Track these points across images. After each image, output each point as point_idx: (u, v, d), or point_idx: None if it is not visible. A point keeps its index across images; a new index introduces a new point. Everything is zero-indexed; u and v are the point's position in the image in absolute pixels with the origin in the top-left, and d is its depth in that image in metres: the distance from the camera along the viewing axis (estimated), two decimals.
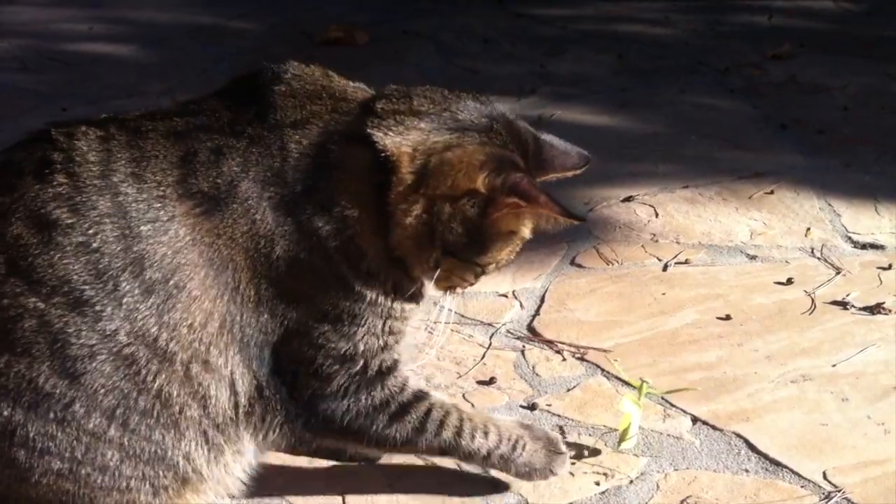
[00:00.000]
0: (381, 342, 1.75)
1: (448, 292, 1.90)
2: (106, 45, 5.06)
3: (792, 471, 1.98)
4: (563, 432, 2.09)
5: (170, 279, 1.59)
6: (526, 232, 1.80)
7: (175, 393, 1.61)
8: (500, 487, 1.94)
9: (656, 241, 2.92)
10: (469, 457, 1.84)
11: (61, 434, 1.56)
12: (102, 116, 1.74)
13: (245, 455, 1.75)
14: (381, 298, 1.72)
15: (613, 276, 2.73)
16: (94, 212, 1.58)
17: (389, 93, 1.75)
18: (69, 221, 1.56)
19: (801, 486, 1.94)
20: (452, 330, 2.43)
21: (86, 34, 5.23)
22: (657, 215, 3.07)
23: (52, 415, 1.55)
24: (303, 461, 1.99)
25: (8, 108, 4.07)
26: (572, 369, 2.32)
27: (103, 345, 1.56)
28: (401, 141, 1.65)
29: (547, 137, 1.85)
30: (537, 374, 2.29)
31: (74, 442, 1.57)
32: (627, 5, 5.75)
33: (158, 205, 1.60)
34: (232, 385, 1.66)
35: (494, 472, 1.93)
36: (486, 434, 1.83)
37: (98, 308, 1.56)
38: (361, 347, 1.72)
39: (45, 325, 1.54)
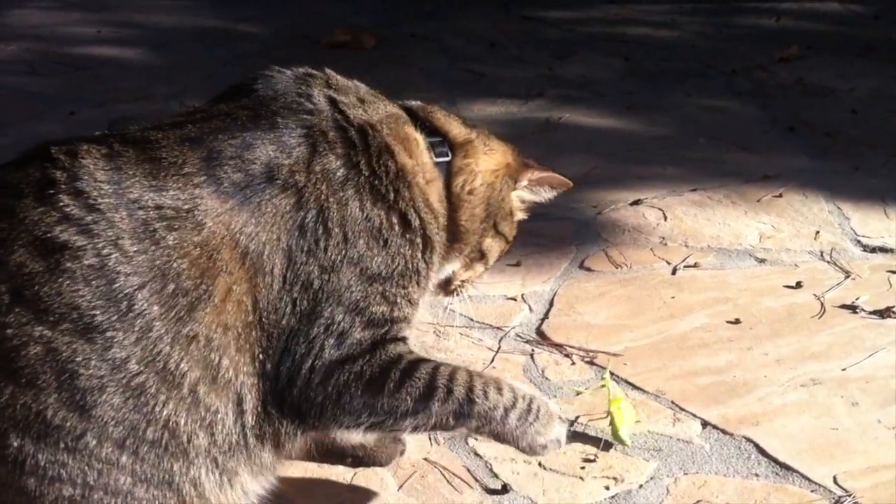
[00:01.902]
0: (409, 311, 1.75)
1: (456, 293, 1.93)
2: (113, 48, 5.08)
3: (802, 475, 1.98)
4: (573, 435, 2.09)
5: (200, 284, 1.55)
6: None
7: (182, 422, 1.56)
8: (507, 490, 1.93)
9: (665, 244, 2.91)
10: (484, 419, 1.72)
11: (73, 462, 1.51)
12: (98, 134, 1.69)
13: (264, 472, 1.72)
14: (424, 269, 1.76)
15: (622, 280, 2.72)
16: (109, 231, 1.52)
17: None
18: (80, 244, 1.51)
19: (812, 491, 1.94)
20: (461, 334, 2.43)
21: (93, 38, 5.24)
22: (665, 218, 3.06)
23: (62, 444, 1.50)
24: (312, 466, 1.99)
25: (16, 111, 4.09)
26: (581, 373, 2.31)
27: (112, 376, 1.51)
28: None
29: None
30: (546, 378, 2.29)
31: (86, 468, 1.52)
32: (634, 8, 5.75)
33: (187, 208, 1.56)
34: (239, 404, 1.62)
35: (498, 468, 1.93)
36: (499, 390, 1.76)
37: (109, 334, 1.51)
38: (396, 313, 1.72)
39: (51, 355, 1.48)
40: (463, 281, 2.02)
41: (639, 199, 3.19)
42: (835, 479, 1.96)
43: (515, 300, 2.62)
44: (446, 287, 2.00)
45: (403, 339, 1.75)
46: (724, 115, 4.03)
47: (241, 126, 1.66)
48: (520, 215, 2.06)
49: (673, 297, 2.62)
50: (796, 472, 1.99)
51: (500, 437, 1.76)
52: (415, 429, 1.72)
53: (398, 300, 1.72)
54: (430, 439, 2.09)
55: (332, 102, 1.75)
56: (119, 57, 4.94)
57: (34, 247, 1.50)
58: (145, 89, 4.38)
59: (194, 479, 1.60)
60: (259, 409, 1.64)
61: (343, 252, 1.65)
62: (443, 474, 1.99)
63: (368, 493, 1.95)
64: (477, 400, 1.71)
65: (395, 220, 1.71)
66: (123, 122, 3.91)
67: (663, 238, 2.95)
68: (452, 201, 1.86)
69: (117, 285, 1.51)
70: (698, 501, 1.92)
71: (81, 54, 4.94)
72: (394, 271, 1.71)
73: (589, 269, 2.78)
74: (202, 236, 1.56)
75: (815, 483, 1.95)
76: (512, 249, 2.83)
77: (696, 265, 2.78)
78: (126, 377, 1.52)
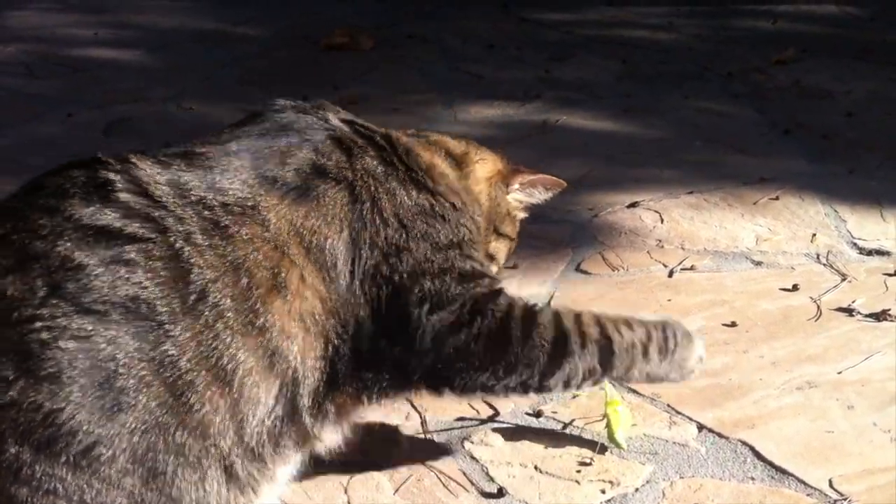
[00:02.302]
0: (491, 268, 1.84)
1: None
2: (112, 50, 5.09)
3: (798, 478, 1.98)
4: (568, 439, 2.09)
5: (275, 276, 1.59)
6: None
7: (218, 419, 1.53)
8: (503, 494, 1.94)
9: (662, 247, 2.92)
10: (627, 357, 1.75)
11: (71, 477, 1.45)
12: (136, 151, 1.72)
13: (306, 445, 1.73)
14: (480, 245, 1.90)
15: (619, 283, 2.73)
16: (180, 226, 1.55)
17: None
18: (149, 236, 1.52)
19: (807, 495, 1.94)
20: None
21: (91, 39, 5.25)
22: (662, 221, 3.07)
23: (64, 457, 1.44)
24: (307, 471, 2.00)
25: (14, 112, 4.09)
26: None
27: (156, 375, 1.48)
28: None
29: None
30: None
31: (84, 486, 1.46)
32: (632, 11, 5.76)
33: (251, 205, 1.62)
34: (295, 385, 1.61)
35: (494, 471, 1.93)
36: (629, 326, 1.78)
37: (167, 327, 1.49)
38: (482, 268, 1.78)
39: (86, 350, 1.44)
40: None
41: (635, 202, 3.19)
42: (830, 482, 1.96)
43: None
44: None
45: (503, 290, 1.78)
46: (721, 117, 4.04)
47: (275, 138, 1.74)
48: (520, 215, 2.15)
49: (669, 300, 2.63)
50: (792, 475, 1.99)
51: (651, 377, 1.85)
52: (567, 383, 1.74)
53: (477, 257, 1.80)
54: (426, 443, 2.09)
55: (349, 123, 1.87)
56: (117, 59, 4.94)
57: (84, 239, 1.50)
58: (144, 91, 4.39)
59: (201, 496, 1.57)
60: (322, 388, 1.66)
61: (404, 236, 1.71)
62: (439, 478, 1.99)
63: (364, 497, 1.95)
64: (614, 337, 1.74)
65: (441, 201, 1.80)
66: (122, 124, 3.92)
67: (660, 241, 2.95)
68: None
69: (191, 277, 1.53)
70: None
71: (80, 56, 4.95)
72: (463, 237, 1.80)
73: (585, 272, 2.79)
74: (270, 231, 1.61)
75: (811, 486, 1.96)
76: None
77: (692, 268, 2.79)
78: (173, 376, 1.50)
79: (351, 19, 5.50)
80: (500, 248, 2.09)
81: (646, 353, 1.78)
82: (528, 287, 2.70)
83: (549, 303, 2.15)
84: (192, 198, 1.60)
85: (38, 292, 1.46)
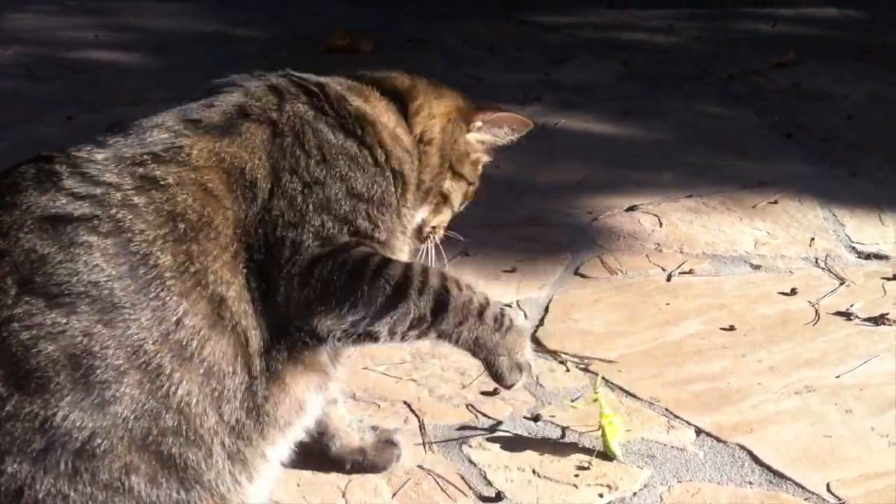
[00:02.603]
0: (387, 238, 1.79)
1: (429, 239, 2.03)
2: (111, 52, 5.09)
3: (796, 483, 1.98)
4: (566, 442, 2.09)
5: (202, 215, 1.58)
6: None
7: (194, 401, 1.52)
8: (501, 498, 1.94)
9: (660, 250, 2.92)
10: (462, 313, 1.72)
11: (74, 493, 1.43)
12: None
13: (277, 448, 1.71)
14: (395, 204, 1.84)
15: (617, 286, 2.73)
16: (118, 194, 1.54)
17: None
18: (94, 213, 1.52)
19: (805, 499, 1.94)
20: None
21: (91, 41, 5.25)
22: (661, 225, 3.07)
23: (62, 466, 1.43)
24: (306, 475, 2.00)
25: (14, 115, 4.09)
26: (576, 380, 2.32)
27: (131, 362, 1.47)
28: None
29: None
30: (541, 385, 2.29)
31: (89, 502, 1.44)
32: (632, 13, 5.76)
33: (176, 146, 1.63)
34: (246, 345, 1.60)
35: (492, 475, 1.94)
36: (470, 288, 1.77)
37: (127, 311, 1.48)
38: (377, 234, 1.75)
39: (66, 344, 1.43)
40: (434, 227, 2.06)
41: (634, 206, 3.19)
42: (828, 486, 1.96)
43: (510, 307, 2.62)
44: (419, 234, 2.04)
45: (377, 249, 1.76)
46: (721, 120, 4.04)
47: (206, 93, 1.79)
48: (483, 158, 2.09)
49: (668, 304, 2.62)
50: (790, 479, 1.99)
51: (479, 344, 1.74)
52: (392, 328, 1.68)
53: (379, 224, 1.77)
54: (424, 446, 2.10)
55: (286, 75, 1.89)
56: (117, 61, 4.94)
57: (42, 229, 1.49)
58: (143, 93, 4.39)
59: (214, 480, 1.56)
60: (265, 344, 1.63)
61: (325, 170, 1.72)
62: (437, 482, 1.99)
63: (362, 501, 1.95)
64: (452, 291, 1.72)
65: (366, 153, 1.79)
66: (122, 126, 3.92)
67: (658, 244, 2.95)
68: None
69: (133, 246, 1.52)
70: None
71: (79, 58, 4.95)
72: (373, 195, 1.77)
73: (584, 276, 2.79)
74: (194, 167, 1.62)
75: (809, 491, 1.96)
76: (507, 255, 2.86)
77: (691, 272, 2.79)
78: (145, 360, 1.48)
79: (351, 22, 5.50)
80: (455, 189, 2.03)
81: (481, 314, 1.74)
82: (526, 291, 2.70)
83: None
84: (126, 161, 1.61)
85: (10, 291, 1.45)
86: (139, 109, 4.22)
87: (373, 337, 1.70)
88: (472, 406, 2.22)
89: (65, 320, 1.44)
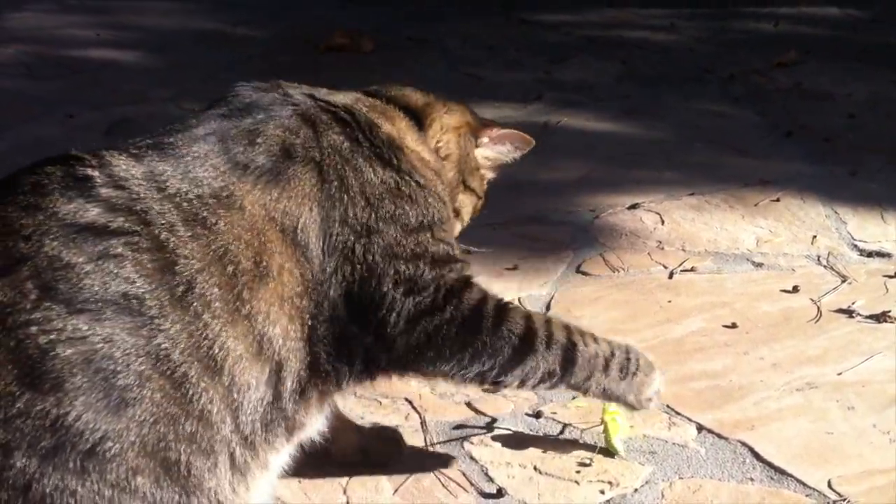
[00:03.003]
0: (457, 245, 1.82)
1: None
2: (112, 51, 5.09)
3: (797, 479, 1.98)
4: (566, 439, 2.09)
5: (259, 263, 1.58)
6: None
7: (215, 409, 1.54)
8: (503, 494, 1.93)
9: (662, 248, 2.92)
10: (590, 366, 1.78)
11: (82, 489, 1.42)
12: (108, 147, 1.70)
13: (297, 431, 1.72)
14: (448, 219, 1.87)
15: (619, 284, 2.73)
16: (162, 219, 1.53)
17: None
18: (134, 229, 1.51)
19: (807, 496, 1.94)
20: None
21: (92, 40, 5.25)
22: (663, 222, 3.07)
23: (71, 465, 1.41)
24: (308, 472, 1.99)
25: (14, 114, 4.09)
26: None
27: (155, 369, 1.47)
28: None
29: None
30: None
31: (96, 497, 1.43)
32: (632, 12, 5.76)
33: (226, 195, 1.61)
34: (278, 371, 1.61)
35: (493, 472, 1.93)
36: (595, 340, 1.82)
37: (157, 322, 1.49)
38: (454, 252, 1.77)
39: (85, 349, 1.43)
40: None
41: (636, 203, 3.19)
42: (830, 483, 1.96)
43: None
44: None
45: (475, 281, 1.78)
46: (722, 119, 4.04)
47: (241, 118, 1.74)
48: (488, 174, 2.14)
49: (670, 302, 2.62)
50: (791, 476, 1.98)
51: (607, 393, 1.85)
52: (524, 380, 1.75)
53: (448, 239, 1.79)
54: (425, 443, 2.09)
55: (310, 96, 1.85)
56: (118, 60, 4.94)
57: (70, 238, 1.48)
58: (144, 92, 4.39)
59: (214, 488, 1.56)
60: (304, 372, 1.66)
61: (372, 214, 1.71)
62: (438, 478, 1.99)
63: (363, 498, 1.94)
64: (578, 344, 1.76)
65: (407, 179, 1.78)
66: (123, 125, 3.92)
67: (660, 242, 2.95)
68: None
69: (177, 268, 1.52)
70: None
71: (80, 57, 4.95)
72: (433, 217, 1.78)
73: (586, 274, 2.78)
74: (246, 219, 1.60)
75: (810, 488, 1.95)
76: (509, 253, 2.86)
77: (693, 269, 2.78)
78: (170, 369, 1.49)
79: (351, 21, 5.50)
80: (466, 203, 2.06)
81: (607, 367, 1.80)
82: (528, 288, 2.70)
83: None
84: (170, 190, 1.58)
85: (30, 295, 1.44)
86: (140, 108, 4.24)
87: (499, 385, 1.78)
88: (474, 403, 2.22)
89: (86, 327, 1.44)
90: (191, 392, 1.51)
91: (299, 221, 1.66)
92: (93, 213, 1.51)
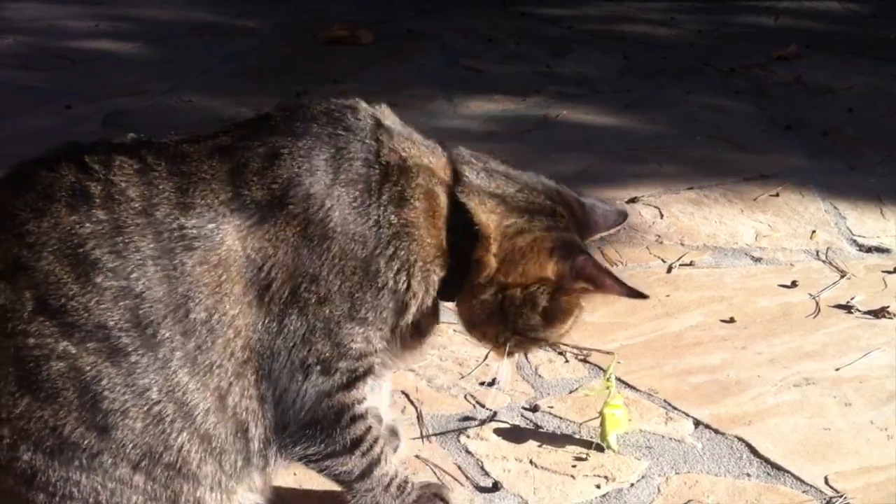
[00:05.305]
0: (381, 346, 1.71)
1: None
2: (110, 42, 5.07)
3: (794, 476, 1.97)
4: (563, 434, 2.09)
5: (213, 314, 1.54)
6: (587, 305, 1.85)
7: (193, 450, 1.56)
8: (498, 488, 1.93)
9: (661, 242, 2.91)
10: (377, 483, 1.75)
11: (85, 480, 1.50)
12: (131, 137, 1.67)
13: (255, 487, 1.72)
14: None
15: None
16: (136, 255, 1.50)
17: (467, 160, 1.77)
18: (111, 265, 1.49)
19: (803, 492, 1.93)
20: (455, 330, 2.42)
21: (89, 32, 5.23)
22: (662, 216, 3.06)
23: (76, 462, 1.49)
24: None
25: (11, 105, 4.07)
26: (575, 371, 2.31)
27: (135, 402, 1.50)
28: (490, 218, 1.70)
29: (588, 201, 1.88)
30: (540, 376, 2.28)
31: (99, 488, 1.51)
32: (632, 6, 5.74)
33: (210, 228, 1.54)
34: (245, 432, 1.61)
35: (489, 465, 1.93)
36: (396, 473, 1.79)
37: (133, 359, 1.49)
38: (370, 348, 1.68)
39: (75, 373, 1.47)
40: None
41: (635, 197, 3.18)
42: (826, 479, 1.95)
43: None
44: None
45: (370, 373, 1.71)
46: (722, 113, 4.03)
47: (273, 129, 1.63)
48: None
49: (668, 296, 2.61)
50: (788, 472, 1.98)
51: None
52: (324, 469, 1.72)
53: (374, 341, 1.68)
54: (422, 437, 2.09)
55: (377, 123, 1.70)
56: (115, 51, 4.92)
57: (65, 256, 1.48)
58: (141, 84, 4.37)
59: (199, 498, 1.60)
60: (265, 434, 1.63)
61: (338, 286, 1.60)
62: (434, 472, 1.98)
63: None
64: (382, 462, 1.74)
65: (390, 275, 1.63)
66: (120, 116, 3.90)
67: (659, 236, 2.94)
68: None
69: (142, 311, 1.50)
70: (689, 501, 1.91)
71: (77, 48, 4.93)
72: (378, 317, 1.65)
73: None
74: (219, 257, 1.54)
75: (807, 484, 1.95)
76: None
77: (691, 264, 2.78)
78: (147, 405, 1.51)
79: (350, 13, 5.48)
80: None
81: (388, 486, 1.76)
82: None
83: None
84: (156, 215, 1.53)
85: (27, 305, 1.47)
86: (137, 100, 4.22)
87: (316, 466, 1.72)
88: (471, 396, 2.21)
89: (74, 350, 1.48)
90: (168, 430, 1.54)
91: (266, 263, 1.58)
92: (85, 233, 1.50)
